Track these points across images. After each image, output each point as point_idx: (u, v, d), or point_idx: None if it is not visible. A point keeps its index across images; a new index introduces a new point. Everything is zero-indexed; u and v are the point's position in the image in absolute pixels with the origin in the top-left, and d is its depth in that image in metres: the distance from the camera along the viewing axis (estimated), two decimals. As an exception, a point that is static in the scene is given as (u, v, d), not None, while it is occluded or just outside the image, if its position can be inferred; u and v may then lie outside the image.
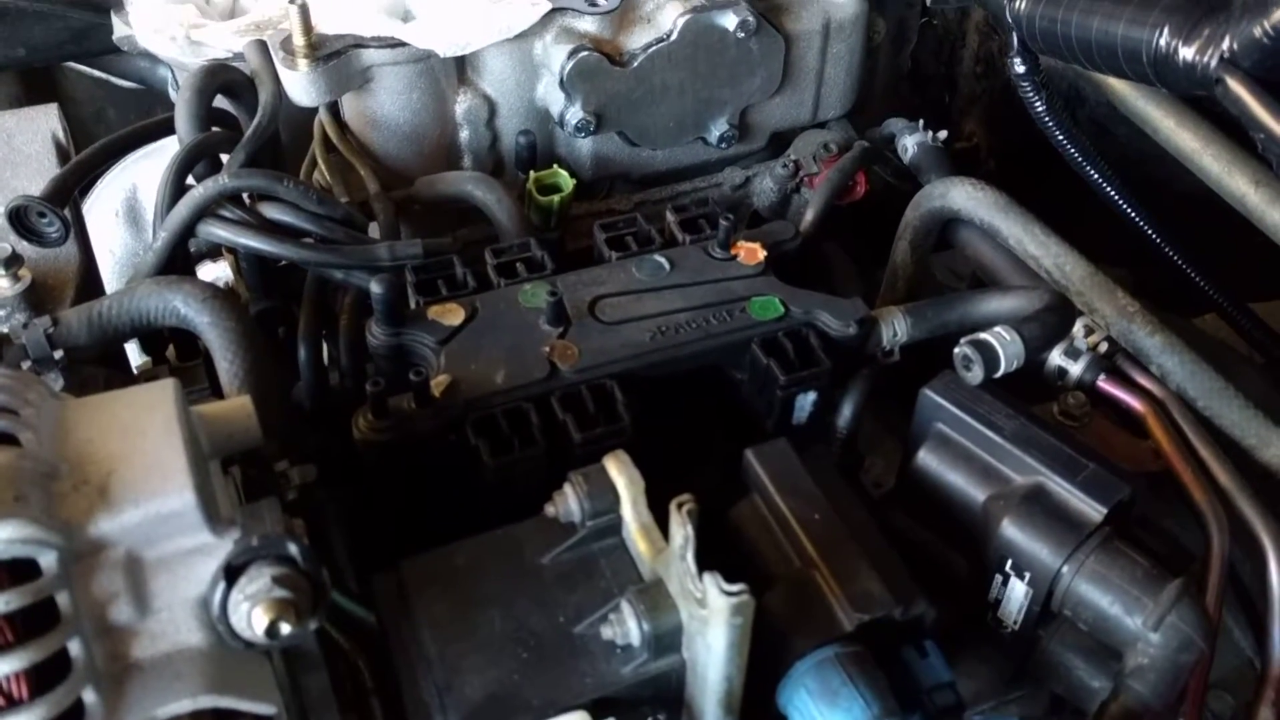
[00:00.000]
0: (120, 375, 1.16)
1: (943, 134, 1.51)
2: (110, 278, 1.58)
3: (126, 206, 1.54)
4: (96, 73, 1.80)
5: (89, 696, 0.71)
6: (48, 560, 0.70)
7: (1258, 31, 0.96)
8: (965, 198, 1.30)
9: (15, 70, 1.76)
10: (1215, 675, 1.08)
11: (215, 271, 1.47)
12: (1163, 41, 1.06)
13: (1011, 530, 1.02)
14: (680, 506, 0.82)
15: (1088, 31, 1.15)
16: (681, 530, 0.81)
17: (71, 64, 1.78)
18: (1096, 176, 1.36)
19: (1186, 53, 1.03)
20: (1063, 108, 1.35)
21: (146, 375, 1.14)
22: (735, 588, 0.78)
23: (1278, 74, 0.98)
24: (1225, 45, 0.99)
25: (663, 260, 1.16)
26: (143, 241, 1.63)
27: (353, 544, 1.04)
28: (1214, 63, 1.00)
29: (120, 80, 1.77)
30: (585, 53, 1.31)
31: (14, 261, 1.06)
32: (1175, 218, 1.45)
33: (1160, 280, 1.50)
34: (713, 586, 0.78)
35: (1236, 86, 0.98)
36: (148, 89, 1.73)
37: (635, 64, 1.35)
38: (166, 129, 1.29)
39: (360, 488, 1.06)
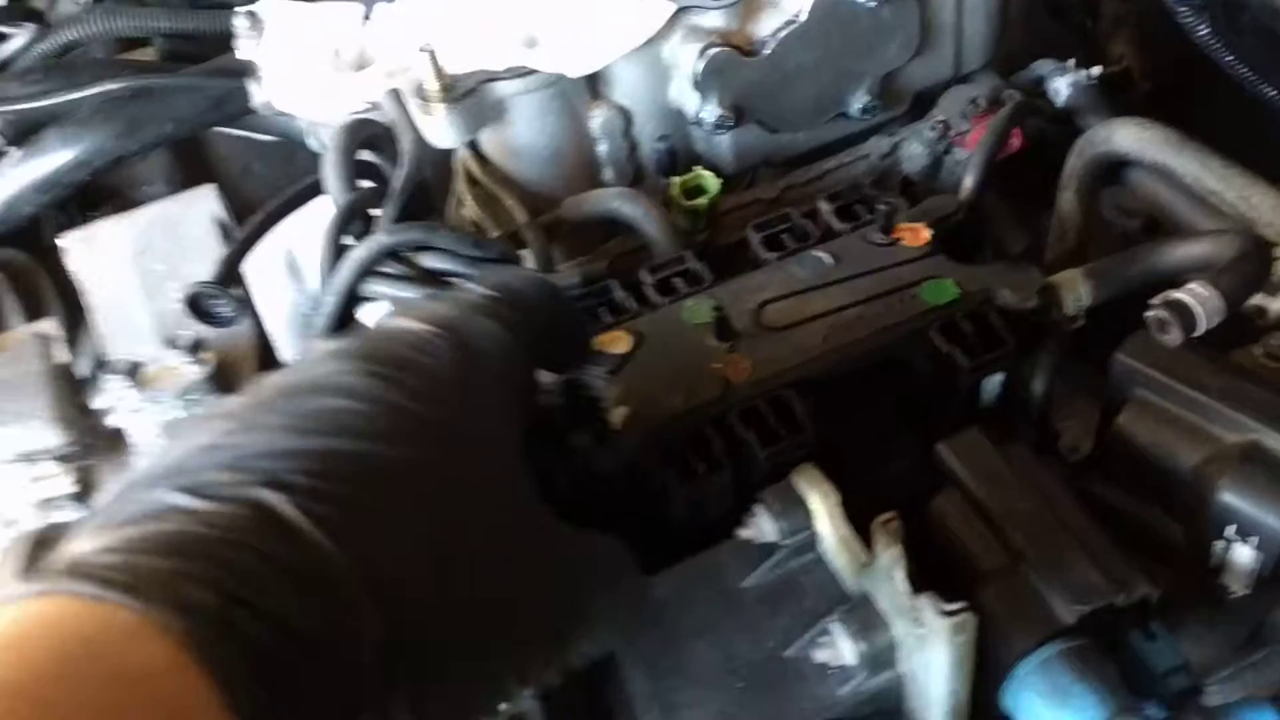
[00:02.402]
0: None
1: (1096, 70, 1.43)
2: (281, 330, 1.63)
3: (287, 261, 1.58)
4: (238, 131, 1.85)
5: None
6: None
7: None
8: (1133, 140, 1.23)
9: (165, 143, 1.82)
10: None
11: (377, 312, 1.50)
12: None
13: (1230, 494, 0.96)
14: (885, 525, 0.80)
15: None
16: (888, 550, 0.79)
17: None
18: (1275, 93, 1.27)
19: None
20: (1227, 26, 1.26)
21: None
22: (955, 606, 0.75)
23: None
24: None
25: (824, 255, 1.13)
26: (301, 290, 1.67)
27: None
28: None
29: (260, 135, 1.82)
30: (716, 49, 1.28)
31: (198, 348, 1.10)
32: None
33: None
34: (929, 608, 0.76)
35: None
36: (286, 140, 1.78)
37: (767, 52, 1.32)
38: (314, 191, 1.32)
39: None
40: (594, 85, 1.34)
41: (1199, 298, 0.98)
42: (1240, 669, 1.05)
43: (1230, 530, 0.97)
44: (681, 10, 1.29)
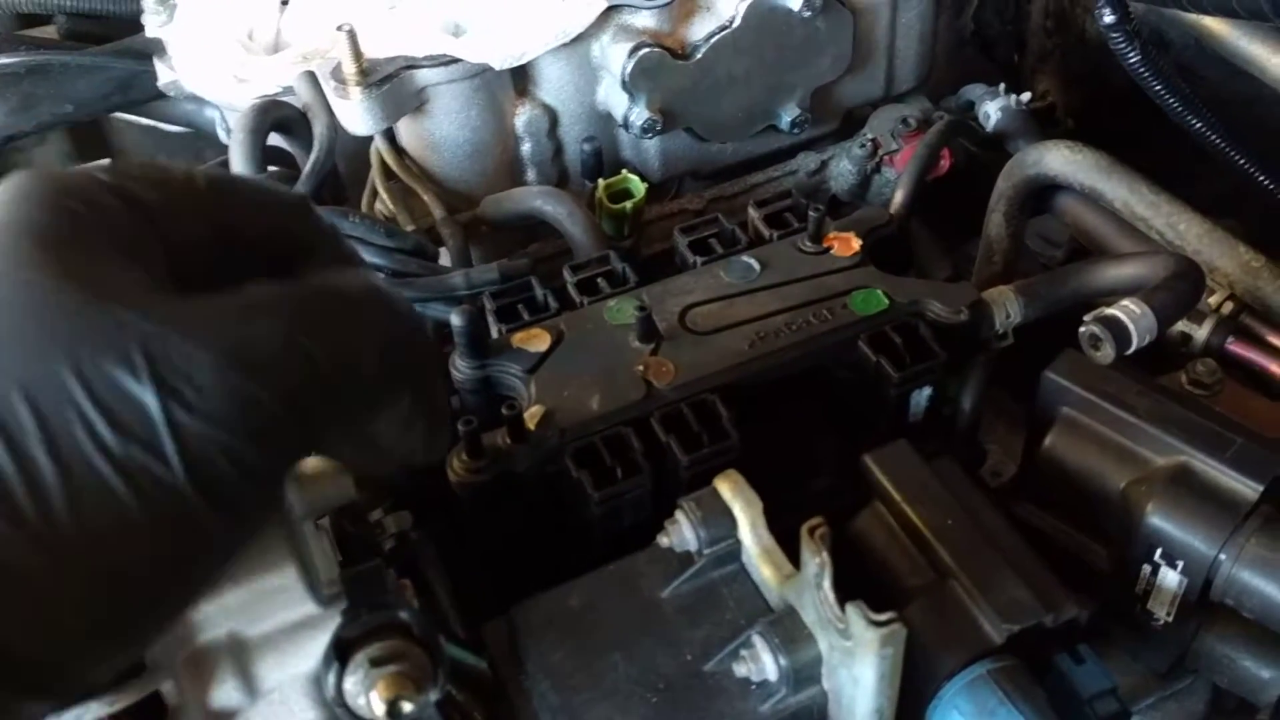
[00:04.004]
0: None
1: (1026, 96, 1.43)
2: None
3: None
4: (144, 120, 1.77)
5: (205, 792, 0.66)
6: (150, 651, 0.66)
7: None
8: (1063, 162, 1.22)
9: (63, 126, 1.73)
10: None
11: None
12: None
13: (1158, 517, 0.94)
14: (812, 532, 0.76)
15: (1190, -30, 1.07)
16: (816, 557, 0.75)
17: (118, 114, 1.75)
18: (1200, 125, 1.28)
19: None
20: (1158, 56, 1.26)
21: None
22: (884, 617, 0.71)
23: None
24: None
25: (752, 261, 1.10)
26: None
27: (454, 585, 0.99)
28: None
29: (167, 125, 1.74)
30: (646, 49, 1.25)
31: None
32: (1274, 158, 1.36)
33: (1262, 227, 1.41)
34: (858, 618, 0.72)
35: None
36: (196, 131, 1.70)
37: (699, 56, 1.29)
38: (223, 173, 1.26)
39: (454, 525, 1.01)
40: (520, 81, 1.30)
41: (1132, 315, 0.96)
42: (1163, 698, 1.03)
43: (1156, 554, 0.95)
44: (613, 9, 1.25)
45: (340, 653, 0.67)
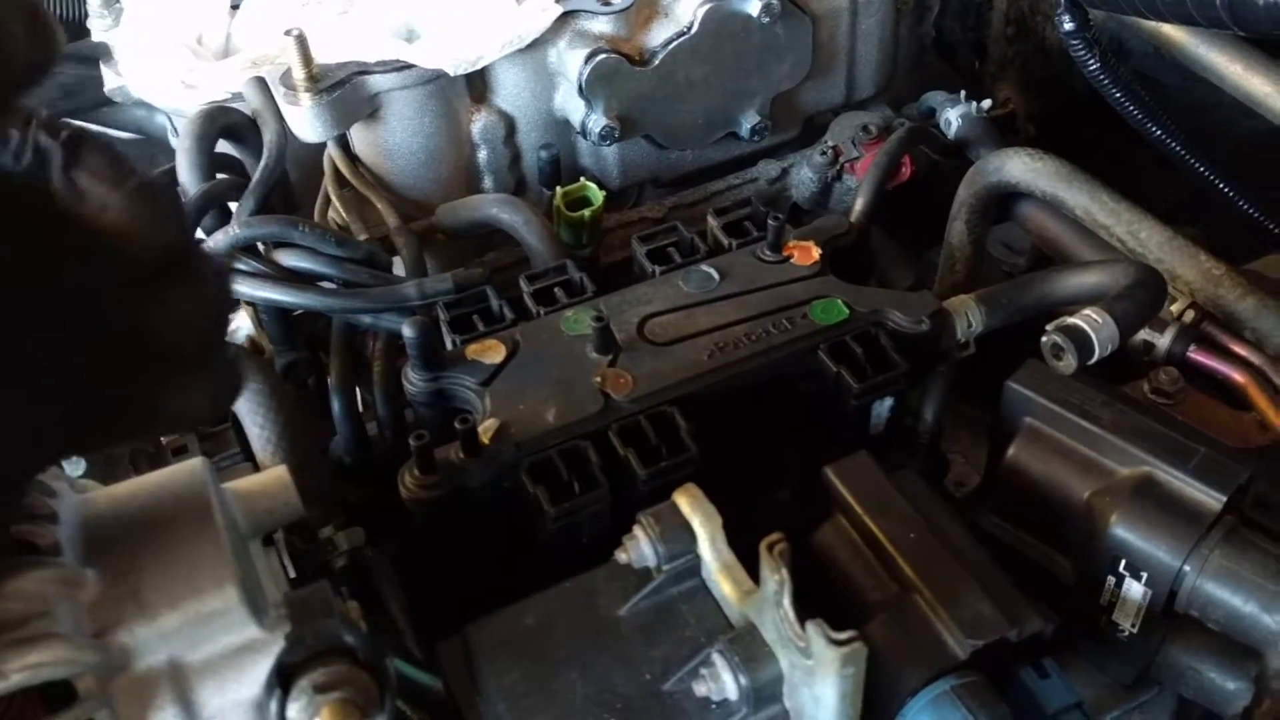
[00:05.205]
0: (146, 448, 1.09)
1: (986, 104, 1.43)
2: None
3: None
4: (93, 127, 1.73)
5: (142, 826, 0.64)
6: (84, 680, 0.63)
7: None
8: (1024, 169, 1.21)
9: (10, 133, 1.69)
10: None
11: (234, 323, 1.41)
12: (1238, -20, 0.97)
13: (1121, 528, 0.93)
14: (771, 548, 0.74)
15: (1149, -22, 1.06)
16: (775, 574, 0.74)
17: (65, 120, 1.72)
18: (1159, 132, 1.27)
19: (1268, -11, 0.94)
20: (1117, 63, 1.26)
21: (174, 447, 1.07)
22: (844, 636, 0.70)
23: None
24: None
25: (711, 270, 1.08)
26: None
27: (409, 603, 0.97)
28: (1302, -4, 0.92)
29: (117, 132, 1.70)
30: (603, 55, 1.23)
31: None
32: (1232, 166, 1.37)
33: (1221, 233, 1.42)
34: (818, 636, 0.70)
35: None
36: (147, 138, 1.67)
37: (656, 62, 1.27)
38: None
39: (410, 542, 0.98)
40: (476, 87, 1.28)
41: (1094, 324, 0.95)
42: (1128, 710, 1.02)
43: (1120, 565, 0.94)
44: (569, 14, 1.24)
45: (283, 678, 0.65)
